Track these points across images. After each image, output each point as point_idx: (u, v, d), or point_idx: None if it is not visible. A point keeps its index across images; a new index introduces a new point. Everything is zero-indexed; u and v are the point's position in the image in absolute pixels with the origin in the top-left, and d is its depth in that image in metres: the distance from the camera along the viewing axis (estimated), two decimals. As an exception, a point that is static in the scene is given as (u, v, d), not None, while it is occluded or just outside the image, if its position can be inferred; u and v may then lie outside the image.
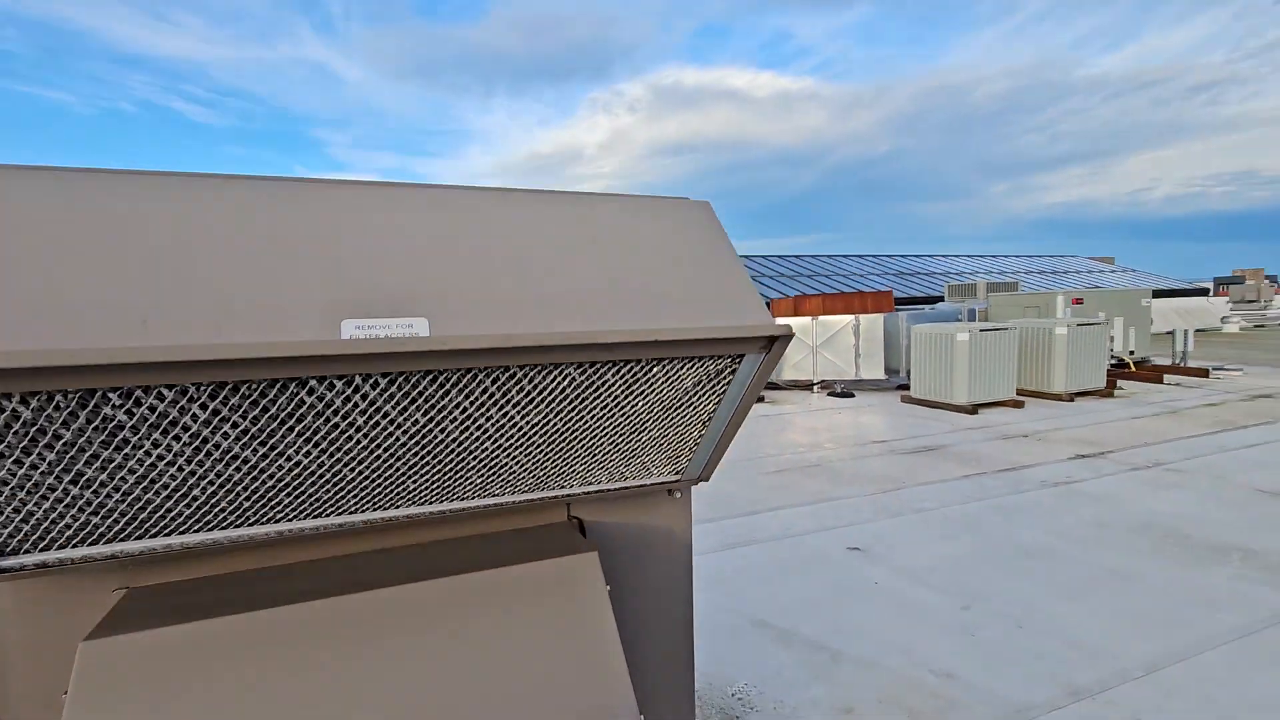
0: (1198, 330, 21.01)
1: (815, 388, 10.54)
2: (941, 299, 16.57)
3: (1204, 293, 23.71)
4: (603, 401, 1.11)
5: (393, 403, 0.98)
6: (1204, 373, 10.70)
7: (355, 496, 1.08)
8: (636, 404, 1.13)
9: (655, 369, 1.08)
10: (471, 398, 1.02)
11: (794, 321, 10.55)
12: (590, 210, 1.15)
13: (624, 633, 1.29)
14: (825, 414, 8.56)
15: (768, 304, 11.60)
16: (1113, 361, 10.97)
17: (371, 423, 0.99)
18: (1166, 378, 10.52)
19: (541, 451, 1.13)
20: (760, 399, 9.54)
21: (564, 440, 1.13)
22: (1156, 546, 3.88)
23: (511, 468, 1.13)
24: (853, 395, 9.86)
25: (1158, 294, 22.77)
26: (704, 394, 1.15)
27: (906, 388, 9.56)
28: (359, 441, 1.00)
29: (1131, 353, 11.20)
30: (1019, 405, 8.55)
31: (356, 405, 0.96)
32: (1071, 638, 2.88)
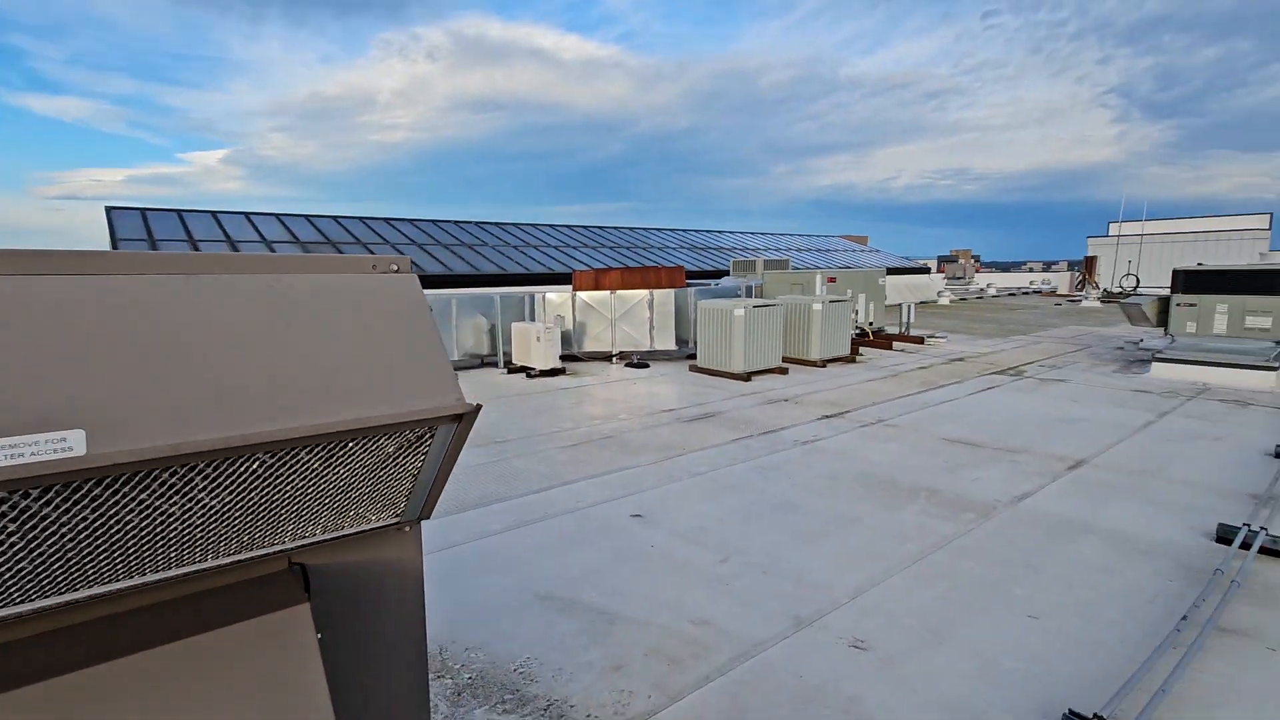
0: (920, 303, 25.46)
1: (614, 359, 11.04)
2: (728, 273, 18.15)
3: (926, 270, 28.75)
4: (301, 475, 1.10)
5: (52, 506, 0.89)
6: (920, 340, 13.10)
7: (18, 586, 0.97)
8: (339, 472, 1.15)
9: (352, 444, 1.11)
10: (149, 490, 0.96)
11: (594, 295, 10.90)
12: (283, 290, 1.11)
13: (353, 672, 1.33)
14: (622, 385, 9.04)
15: (573, 275, 11.79)
16: (856, 331, 12.97)
17: (28, 527, 0.89)
18: (895, 345, 12.72)
19: (242, 520, 1.10)
20: (562, 371, 9.79)
21: (264, 509, 1.11)
22: (872, 492, 4.79)
23: (211, 538, 1.09)
24: (648, 366, 10.52)
25: (892, 271, 27.17)
26: (407, 456, 1.21)
27: (694, 357, 10.42)
28: (15, 541, 0.90)
29: (871, 323, 13.32)
30: (784, 372, 9.79)
31: (5, 514, 0.86)
32: (803, 578, 3.49)
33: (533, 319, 10.92)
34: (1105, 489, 4.80)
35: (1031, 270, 60.61)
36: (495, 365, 10.65)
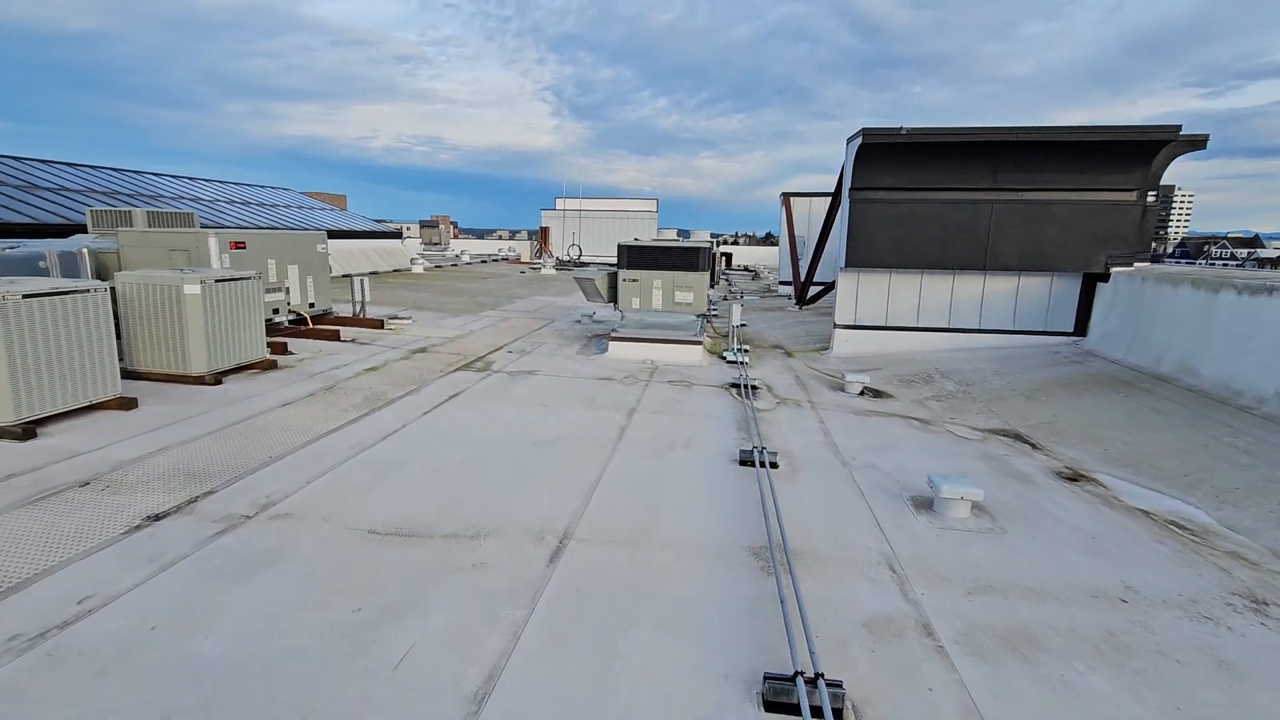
0: (394, 270, 23.06)
1: None
2: (85, 228, 11.75)
3: (398, 235, 26.48)
4: None
5: None
6: (380, 324, 10.52)
7: None
8: None
9: None
10: None
11: None
12: None
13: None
14: None
15: None
16: (291, 318, 9.48)
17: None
18: (344, 332, 9.77)
19: None
20: None
21: None
22: None
23: None
24: None
25: (361, 235, 23.89)
26: None
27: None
28: None
29: (312, 305, 10.00)
30: (128, 406, 5.71)
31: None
32: None
33: None
34: (598, 590, 3.03)
35: (501, 238, 65.98)
36: None
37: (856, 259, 9.12)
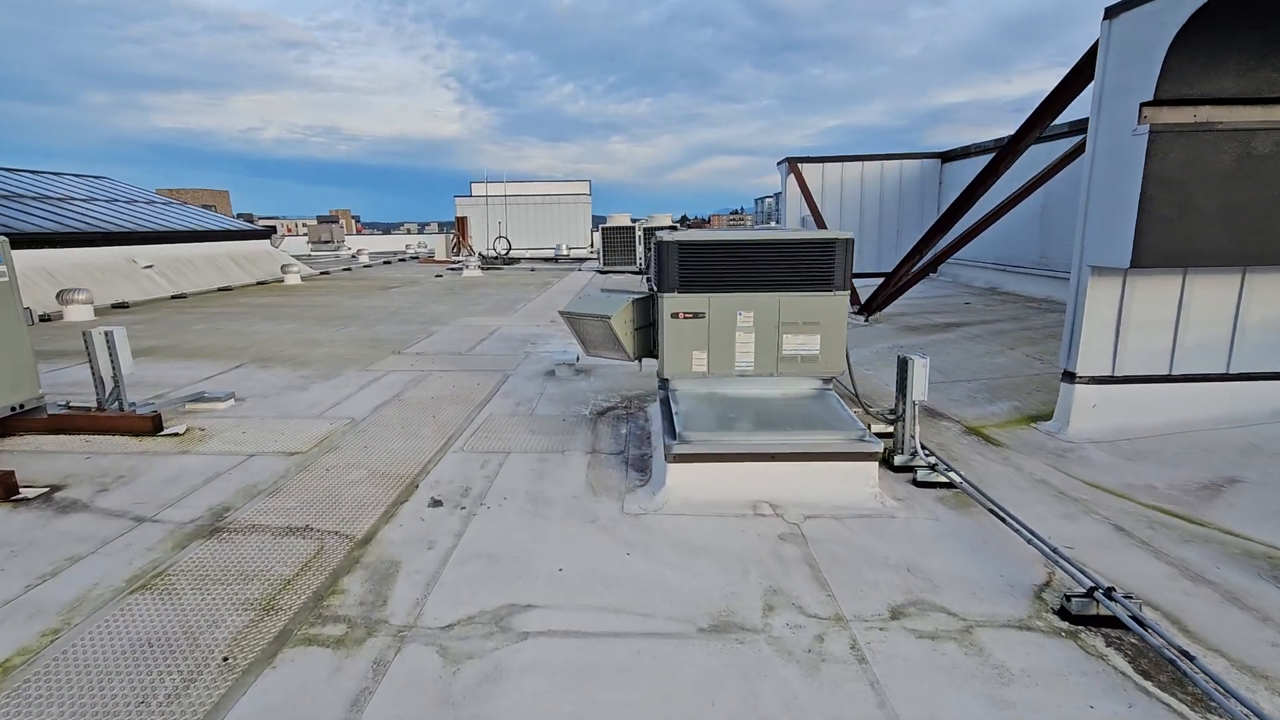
0: (258, 283, 16.90)
1: None
2: None
3: (267, 234, 20.09)
4: None
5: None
6: (150, 425, 5.05)
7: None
8: None
9: None
10: None
11: None
12: None
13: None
14: None
15: None
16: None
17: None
18: (43, 467, 4.26)
19: None
20: None
21: None
22: None
23: None
24: None
25: (214, 236, 17.45)
26: None
27: None
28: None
29: (-38, 409, 4.42)
30: None
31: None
32: None
33: None
34: None
35: (409, 232, 58.37)
36: None
37: (1152, 248, 4.45)
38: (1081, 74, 5.32)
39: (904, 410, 4.40)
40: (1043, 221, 10.93)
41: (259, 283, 16.92)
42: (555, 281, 17.87)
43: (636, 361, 4.90)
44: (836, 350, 4.47)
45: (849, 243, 4.34)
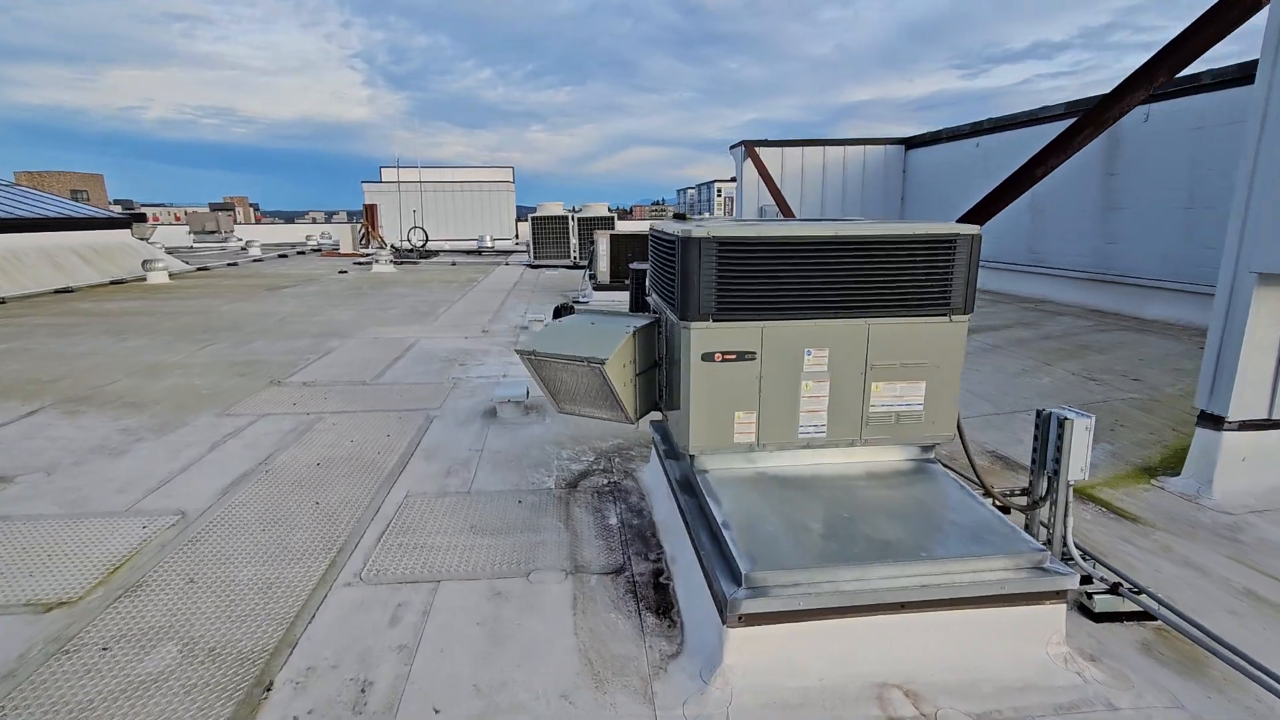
0: (112, 282, 13.92)
1: None
2: None
3: (129, 223, 16.76)
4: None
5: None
6: None
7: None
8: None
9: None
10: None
11: None
12: None
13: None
14: None
15: None
16: None
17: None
18: None
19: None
20: None
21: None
22: None
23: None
24: None
25: (32, 226, 14.16)
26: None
27: None
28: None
29: None
30: None
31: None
32: None
33: None
34: None
35: (315, 222, 53.44)
36: None
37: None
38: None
39: (1050, 493, 2.92)
40: (1032, 216, 9.97)
41: (114, 282, 13.90)
42: (481, 278, 15.74)
43: (634, 423, 3.20)
44: (948, 404, 2.94)
45: (975, 241, 2.80)
